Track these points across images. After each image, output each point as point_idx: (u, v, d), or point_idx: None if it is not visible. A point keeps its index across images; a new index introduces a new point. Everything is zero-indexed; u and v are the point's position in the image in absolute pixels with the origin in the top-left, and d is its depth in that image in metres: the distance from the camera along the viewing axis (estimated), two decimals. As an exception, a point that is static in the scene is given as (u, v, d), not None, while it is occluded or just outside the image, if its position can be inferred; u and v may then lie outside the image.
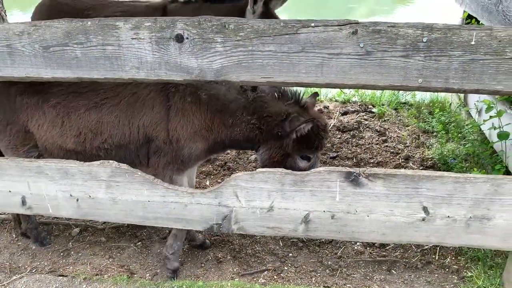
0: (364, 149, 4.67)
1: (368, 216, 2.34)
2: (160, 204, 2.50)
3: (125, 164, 2.45)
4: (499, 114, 2.98)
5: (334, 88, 2.09)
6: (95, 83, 2.66)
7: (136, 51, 2.07)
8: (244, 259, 3.24)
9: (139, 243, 3.45)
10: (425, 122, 5.06)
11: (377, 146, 4.71)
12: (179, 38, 2.00)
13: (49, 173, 2.53)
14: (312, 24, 1.91)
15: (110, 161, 2.46)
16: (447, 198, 2.23)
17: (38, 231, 3.41)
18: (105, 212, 2.60)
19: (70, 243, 3.45)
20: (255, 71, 2.03)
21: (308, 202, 2.36)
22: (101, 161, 2.47)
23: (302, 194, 2.34)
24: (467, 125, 4.21)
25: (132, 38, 2.05)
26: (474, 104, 4.22)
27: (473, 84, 1.92)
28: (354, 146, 4.74)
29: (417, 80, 1.93)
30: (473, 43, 1.85)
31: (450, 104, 5.19)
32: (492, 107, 3.08)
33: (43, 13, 4.33)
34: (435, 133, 4.78)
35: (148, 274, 3.13)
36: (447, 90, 1.96)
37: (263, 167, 2.69)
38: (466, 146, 4.00)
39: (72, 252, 3.35)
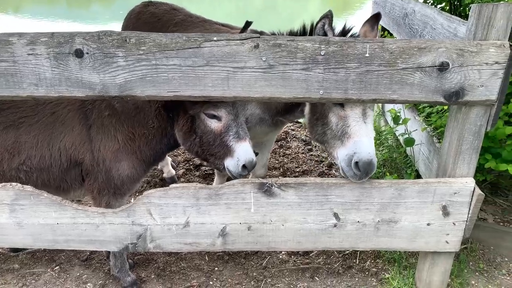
0: (291, 159, 4.77)
1: (283, 225, 2.37)
2: (70, 226, 2.38)
3: (30, 186, 2.31)
4: (404, 121, 3.16)
5: (242, 100, 2.11)
6: (16, 100, 2.49)
7: (33, 68, 1.97)
8: (169, 277, 3.17)
9: (57, 267, 3.26)
10: (347, 130, 5.25)
11: (303, 155, 4.82)
12: (79, 53, 1.93)
13: None
14: (215, 38, 1.92)
15: (13, 183, 2.32)
16: (355, 203, 2.31)
17: None
18: (10, 238, 2.44)
19: (-21, 273, 3.20)
20: (160, 86, 2.01)
21: (224, 215, 2.35)
22: (3, 183, 2.32)
23: (218, 207, 2.33)
24: (383, 131, 4.41)
25: (28, 54, 1.95)
26: (389, 111, 4.44)
27: (370, 94, 2.01)
28: (282, 156, 4.83)
29: (319, 91, 1.99)
30: (367, 55, 1.95)
31: (370, 112, 5.43)
32: (398, 116, 3.26)
33: (131, 20, 4.15)
34: (356, 141, 4.97)
35: (65, 300, 2.97)
36: (347, 100, 2.04)
37: (185, 149, 2.59)
38: (383, 152, 4.19)
39: (-19, 283, 3.11)
